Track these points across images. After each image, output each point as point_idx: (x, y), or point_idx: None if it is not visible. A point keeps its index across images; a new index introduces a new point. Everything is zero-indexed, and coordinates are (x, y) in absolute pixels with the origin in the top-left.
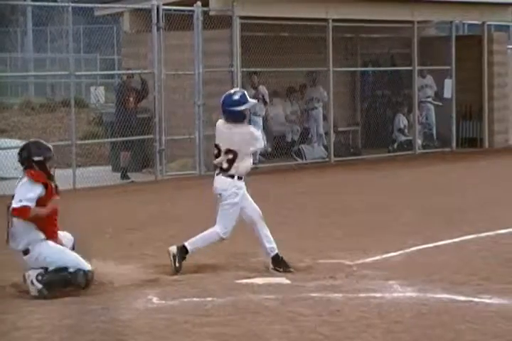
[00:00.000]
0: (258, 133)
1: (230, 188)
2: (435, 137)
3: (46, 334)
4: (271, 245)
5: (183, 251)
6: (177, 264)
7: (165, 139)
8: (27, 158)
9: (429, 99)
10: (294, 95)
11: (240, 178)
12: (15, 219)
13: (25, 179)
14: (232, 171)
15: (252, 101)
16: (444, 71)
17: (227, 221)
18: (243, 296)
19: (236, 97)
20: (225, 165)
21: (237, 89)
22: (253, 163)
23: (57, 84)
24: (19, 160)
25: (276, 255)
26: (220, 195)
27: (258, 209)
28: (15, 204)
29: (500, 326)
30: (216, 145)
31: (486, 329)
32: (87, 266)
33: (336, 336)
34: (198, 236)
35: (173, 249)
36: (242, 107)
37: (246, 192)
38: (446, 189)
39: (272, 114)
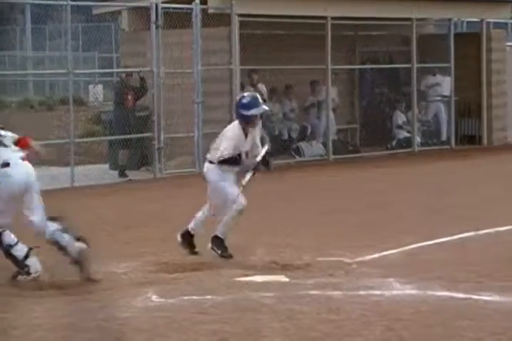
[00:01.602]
0: (230, 137)
1: (206, 171)
2: (445, 136)
3: (45, 332)
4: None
5: (217, 241)
6: (220, 253)
7: (163, 137)
8: None
9: (439, 98)
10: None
11: (210, 162)
12: None
13: None
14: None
15: (262, 107)
16: (442, 69)
17: (226, 193)
18: (242, 294)
19: (244, 101)
20: None
21: (250, 93)
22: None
23: (56, 83)
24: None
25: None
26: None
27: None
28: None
29: (499, 323)
30: None
31: (485, 327)
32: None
33: (336, 334)
34: (221, 223)
35: (209, 245)
36: (248, 113)
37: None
38: (445, 186)
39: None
